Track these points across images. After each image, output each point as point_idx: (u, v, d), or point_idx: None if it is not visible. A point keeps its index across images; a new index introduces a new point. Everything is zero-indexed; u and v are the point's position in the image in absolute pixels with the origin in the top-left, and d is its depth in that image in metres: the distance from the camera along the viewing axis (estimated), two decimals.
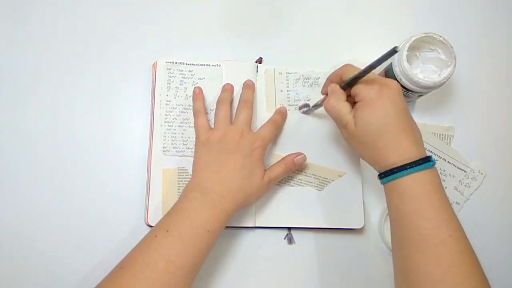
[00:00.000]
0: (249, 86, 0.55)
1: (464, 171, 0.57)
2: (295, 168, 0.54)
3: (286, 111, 0.57)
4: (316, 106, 0.55)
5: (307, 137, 0.57)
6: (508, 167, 0.58)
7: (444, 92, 0.58)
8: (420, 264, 0.40)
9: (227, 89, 0.55)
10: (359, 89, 0.44)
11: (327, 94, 0.49)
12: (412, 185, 0.42)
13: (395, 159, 0.42)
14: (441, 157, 0.57)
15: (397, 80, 0.50)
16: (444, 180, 0.57)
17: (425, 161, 0.42)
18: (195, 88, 0.55)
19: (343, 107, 0.45)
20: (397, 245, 0.44)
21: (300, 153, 0.54)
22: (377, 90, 0.43)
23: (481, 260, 0.55)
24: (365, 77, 0.44)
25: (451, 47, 0.49)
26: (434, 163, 0.43)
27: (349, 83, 0.46)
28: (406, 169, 0.42)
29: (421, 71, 0.53)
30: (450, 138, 0.58)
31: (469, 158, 0.57)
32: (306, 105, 0.57)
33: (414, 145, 0.43)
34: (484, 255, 0.56)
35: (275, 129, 0.54)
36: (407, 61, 0.49)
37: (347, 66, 0.47)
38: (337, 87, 0.47)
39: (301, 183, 0.56)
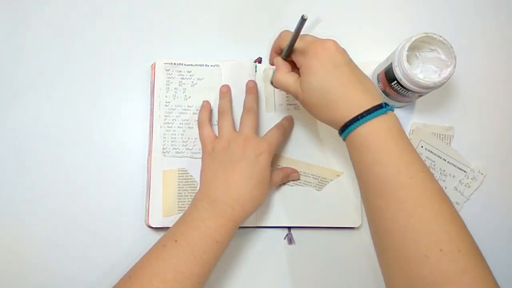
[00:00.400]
0: (251, 91, 0.54)
1: (464, 171, 0.57)
2: (287, 181, 0.56)
3: (293, 119, 0.56)
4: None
5: (306, 137, 0.57)
6: (508, 167, 0.58)
7: (444, 92, 0.58)
8: (384, 212, 0.40)
9: (225, 92, 0.55)
10: (297, 55, 0.45)
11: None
12: (367, 134, 0.41)
13: (347, 112, 0.42)
14: (441, 157, 0.57)
15: (397, 80, 0.50)
16: (444, 180, 0.57)
17: (377, 108, 0.41)
18: (203, 101, 0.55)
19: (288, 78, 0.46)
20: (364, 199, 0.43)
21: (296, 170, 0.55)
22: (313, 54, 0.43)
23: None
24: (303, 43, 0.44)
25: (451, 47, 0.49)
26: (388, 109, 0.41)
27: (287, 53, 0.46)
28: (358, 119, 0.41)
29: (421, 71, 0.53)
30: (450, 138, 0.58)
31: (469, 158, 0.57)
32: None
33: (363, 94, 0.42)
34: (484, 255, 0.56)
35: (281, 134, 0.53)
36: (407, 61, 0.48)
37: (283, 33, 0.47)
38: (279, 60, 0.48)
39: (300, 183, 0.56)
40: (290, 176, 0.55)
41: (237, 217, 0.47)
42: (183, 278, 0.43)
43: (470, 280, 0.37)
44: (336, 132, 0.49)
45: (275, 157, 0.56)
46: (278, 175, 0.53)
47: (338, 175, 0.56)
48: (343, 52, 0.44)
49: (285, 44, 0.46)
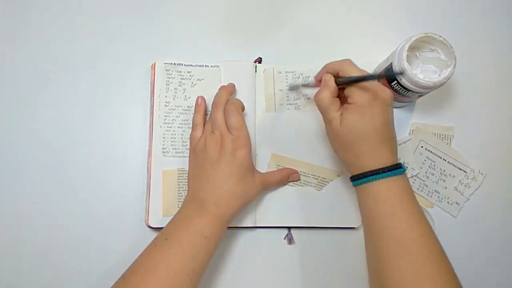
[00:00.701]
0: (223, 88, 0.54)
1: (464, 171, 0.57)
2: (287, 182, 0.55)
3: (298, 177, 0.56)
4: (306, 86, 0.55)
5: (306, 137, 0.57)
6: (508, 167, 0.58)
7: (444, 92, 0.58)
8: (393, 263, 0.42)
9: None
10: (353, 92, 0.45)
11: (319, 81, 0.49)
12: (385, 188, 0.44)
13: (371, 164, 0.44)
14: (441, 157, 0.57)
15: (397, 80, 0.50)
16: (444, 180, 0.57)
17: (397, 167, 0.44)
18: (197, 97, 0.55)
19: (333, 103, 0.46)
20: (370, 247, 0.45)
21: (296, 171, 0.55)
22: (370, 98, 0.44)
23: (481, 260, 0.56)
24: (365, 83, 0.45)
25: (451, 47, 0.49)
26: (405, 170, 0.45)
27: (344, 83, 0.46)
28: (379, 173, 0.44)
29: (421, 71, 0.53)
30: (450, 138, 0.58)
31: (469, 158, 0.57)
32: (295, 86, 0.57)
33: (390, 154, 0.45)
34: (484, 255, 0.56)
35: (240, 113, 0.52)
36: (407, 61, 0.48)
37: (347, 62, 0.47)
38: (332, 80, 0.47)
39: (300, 183, 0.56)
40: (290, 177, 0.55)
41: (223, 213, 0.48)
42: (175, 274, 0.44)
43: None
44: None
45: (274, 158, 0.56)
46: (276, 175, 0.54)
47: (338, 175, 0.56)
48: (391, 106, 0.46)
49: (345, 72, 0.46)
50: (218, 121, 0.51)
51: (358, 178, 0.45)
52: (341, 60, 0.48)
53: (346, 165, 0.48)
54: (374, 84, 0.46)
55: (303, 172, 0.56)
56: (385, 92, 0.45)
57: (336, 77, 0.47)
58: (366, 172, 0.44)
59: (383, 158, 0.44)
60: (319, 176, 0.56)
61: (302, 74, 0.58)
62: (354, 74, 0.46)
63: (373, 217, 0.44)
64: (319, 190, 0.56)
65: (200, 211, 0.47)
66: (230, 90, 0.55)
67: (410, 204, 0.44)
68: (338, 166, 0.56)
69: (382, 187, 0.44)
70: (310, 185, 0.56)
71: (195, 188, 0.50)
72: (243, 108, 0.54)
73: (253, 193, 0.51)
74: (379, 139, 0.44)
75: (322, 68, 0.50)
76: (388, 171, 0.44)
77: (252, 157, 0.51)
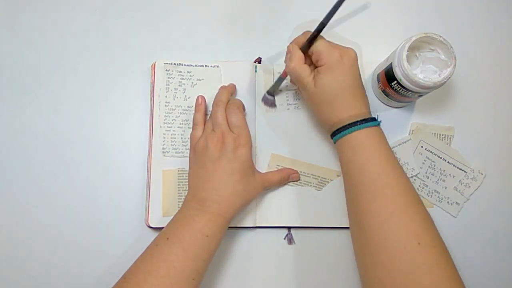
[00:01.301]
0: (224, 87, 0.55)
1: (464, 171, 0.57)
2: (287, 182, 0.56)
3: (298, 177, 0.56)
4: (275, 84, 0.56)
5: (306, 137, 0.57)
6: (508, 167, 0.58)
7: (444, 92, 0.58)
8: (369, 205, 0.44)
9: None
10: (321, 54, 0.48)
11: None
12: (363, 138, 0.47)
13: (348, 117, 0.47)
14: (441, 157, 0.57)
15: (397, 80, 0.50)
16: (444, 180, 0.57)
17: (373, 119, 0.48)
18: (198, 97, 0.55)
19: (304, 69, 0.49)
20: (349, 194, 0.48)
21: (296, 171, 0.56)
22: (338, 56, 0.47)
23: (480, 260, 0.56)
24: (327, 44, 0.48)
25: (451, 47, 0.49)
26: (380, 123, 0.49)
27: (307, 45, 0.49)
28: (357, 124, 0.47)
29: (421, 71, 0.53)
30: (450, 138, 0.58)
31: (469, 158, 0.57)
32: (265, 94, 0.57)
33: (364, 107, 0.48)
34: (484, 255, 0.56)
35: (241, 112, 0.53)
36: (407, 61, 0.48)
37: (306, 32, 0.50)
38: (296, 48, 0.49)
39: (300, 183, 0.56)
40: (290, 177, 0.55)
41: (225, 212, 0.48)
42: (176, 273, 0.44)
43: (442, 273, 0.41)
44: None
45: (276, 158, 0.56)
46: (276, 175, 0.54)
47: (338, 175, 0.56)
48: (358, 64, 0.49)
49: (306, 35, 0.49)
50: (219, 120, 0.51)
51: (338, 132, 0.48)
52: (302, 33, 0.51)
53: (326, 125, 0.50)
54: (337, 44, 0.49)
55: (303, 172, 0.56)
56: (350, 49, 0.48)
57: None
58: (345, 125, 0.47)
59: (358, 111, 0.47)
60: (319, 176, 0.56)
61: None
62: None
63: (352, 166, 0.47)
64: (319, 190, 0.56)
65: (201, 209, 0.47)
66: (231, 90, 0.55)
67: (385, 152, 0.46)
68: (338, 166, 0.56)
69: (360, 136, 0.47)
70: (310, 185, 0.56)
71: (196, 186, 0.50)
72: (244, 108, 0.54)
73: (253, 192, 0.51)
74: (352, 94, 0.48)
75: (286, 50, 0.51)
76: (365, 122, 0.47)
77: (252, 157, 0.51)
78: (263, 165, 0.56)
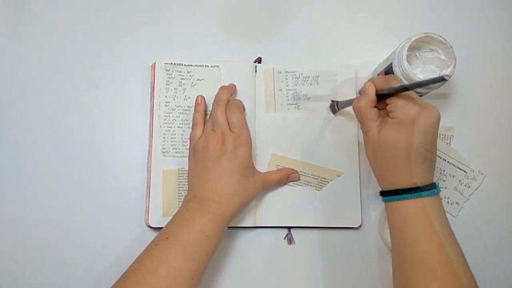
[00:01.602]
0: (224, 87, 0.55)
1: (464, 171, 0.57)
2: (287, 182, 0.55)
3: (298, 177, 0.56)
4: (345, 103, 0.54)
5: (306, 137, 0.57)
6: (508, 167, 0.58)
7: (444, 92, 0.58)
8: (421, 286, 0.41)
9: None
10: (397, 104, 0.42)
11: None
12: (416, 209, 0.42)
13: (404, 181, 0.43)
14: (441, 157, 0.57)
15: None
16: (444, 180, 0.57)
17: (431, 187, 0.42)
18: (197, 96, 0.54)
19: (370, 113, 0.44)
20: (398, 266, 0.44)
21: (296, 171, 0.55)
22: (414, 114, 0.41)
23: (481, 261, 0.56)
24: (409, 96, 0.42)
25: (451, 47, 0.49)
26: (439, 191, 0.43)
27: (386, 94, 0.44)
28: (411, 192, 0.42)
29: (421, 71, 0.53)
30: (450, 138, 0.58)
31: (469, 158, 0.57)
32: (334, 102, 0.55)
33: (425, 173, 0.43)
34: (484, 255, 0.56)
35: (241, 112, 0.52)
36: (407, 61, 0.48)
37: (392, 77, 0.46)
38: (372, 88, 0.45)
39: (300, 183, 0.56)
40: (290, 177, 0.55)
41: (225, 211, 0.48)
42: (176, 273, 0.44)
43: None
44: (337, 133, 0.49)
45: (276, 157, 0.56)
46: (276, 175, 0.54)
47: (338, 175, 0.56)
48: (437, 128, 0.43)
49: (390, 85, 0.44)
50: (219, 120, 0.51)
51: (388, 194, 0.44)
52: (387, 75, 0.47)
53: (378, 178, 0.46)
54: (420, 99, 0.43)
55: (303, 172, 0.56)
56: (432, 111, 0.42)
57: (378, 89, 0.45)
58: (398, 190, 0.43)
59: (417, 177, 0.42)
60: (319, 176, 0.56)
61: (302, 74, 0.58)
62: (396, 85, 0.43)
63: (402, 236, 0.43)
64: (319, 190, 0.56)
65: (201, 209, 0.47)
66: (231, 90, 0.55)
67: (441, 227, 0.42)
68: (338, 166, 0.56)
69: (413, 207, 0.42)
70: (310, 185, 0.56)
71: (195, 186, 0.49)
72: (244, 108, 0.54)
73: (253, 192, 0.51)
74: (415, 158, 0.42)
75: (366, 82, 0.46)
76: (420, 191, 0.42)
77: (252, 157, 0.51)
78: (263, 164, 0.56)
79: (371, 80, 0.46)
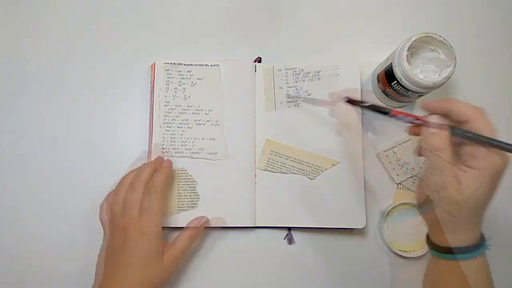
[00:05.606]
0: (148, 165, 0.51)
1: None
2: (201, 230, 0.52)
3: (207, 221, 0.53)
4: (385, 112, 0.43)
5: (306, 137, 0.56)
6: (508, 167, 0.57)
7: (444, 92, 0.58)
8: None
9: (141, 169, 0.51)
10: (477, 150, 0.36)
11: (414, 119, 0.40)
12: (462, 267, 0.39)
13: (456, 238, 0.39)
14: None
15: (397, 80, 0.50)
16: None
17: (481, 244, 0.39)
18: (159, 157, 0.52)
19: (451, 161, 0.37)
20: None
21: (202, 217, 0.52)
22: (501, 165, 0.36)
23: None
24: (487, 148, 0.36)
25: (451, 47, 0.49)
26: (486, 249, 0.40)
27: (466, 137, 0.36)
28: (464, 253, 0.39)
29: (421, 71, 0.52)
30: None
31: None
32: (358, 101, 0.48)
33: (477, 229, 0.39)
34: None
35: (161, 196, 0.48)
36: (407, 61, 0.48)
37: (457, 103, 0.37)
38: (446, 132, 0.37)
39: (293, 170, 0.55)
40: (201, 225, 0.52)
41: None
42: None
43: None
44: (335, 127, 0.47)
45: (271, 144, 0.55)
46: (182, 240, 0.50)
47: (333, 164, 0.55)
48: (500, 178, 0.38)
49: (458, 115, 0.37)
50: (130, 203, 0.48)
51: (437, 250, 0.40)
52: (449, 100, 0.37)
53: (430, 227, 0.41)
54: (496, 150, 0.36)
55: (297, 160, 0.55)
56: (503, 155, 0.36)
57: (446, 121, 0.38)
58: (450, 248, 0.39)
59: (469, 234, 0.39)
60: (313, 164, 0.55)
61: (302, 70, 0.57)
62: (481, 127, 0.36)
63: None
64: (312, 179, 0.55)
65: None
66: (156, 166, 0.51)
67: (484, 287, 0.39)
68: (334, 155, 0.55)
69: (460, 265, 0.39)
70: (303, 173, 0.55)
71: (98, 279, 0.48)
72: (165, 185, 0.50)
73: (161, 276, 0.47)
74: (476, 215, 0.38)
75: (424, 104, 0.39)
76: (471, 251, 0.38)
77: (159, 241, 0.47)
78: (261, 163, 0.56)
79: (430, 106, 0.38)
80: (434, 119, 0.38)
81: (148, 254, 0.46)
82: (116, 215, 0.48)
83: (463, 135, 0.36)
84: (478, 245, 0.39)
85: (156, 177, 0.49)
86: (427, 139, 0.38)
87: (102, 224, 0.50)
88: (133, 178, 0.50)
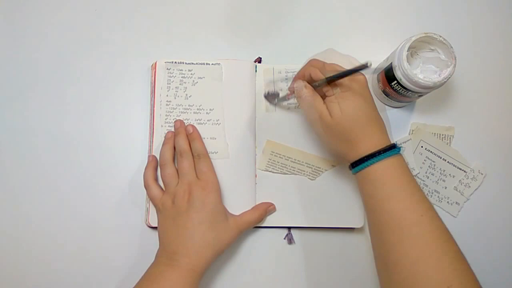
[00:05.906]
0: (178, 134, 0.53)
1: (464, 171, 0.57)
2: (266, 216, 0.54)
3: (274, 208, 0.55)
4: (282, 99, 0.55)
5: (306, 136, 0.56)
6: (508, 167, 0.58)
7: (444, 92, 0.58)
8: (396, 246, 0.41)
9: (168, 136, 0.54)
10: (343, 80, 0.45)
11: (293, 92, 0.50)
12: (383, 170, 0.44)
13: (366, 148, 0.44)
14: (441, 157, 0.57)
15: (397, 80, 0.50)
16: (444, 180, 0.57)
17: (392, 147, 0.44)
18: (149, 156, 0.54)
19: (317, 99, 0.47)
20: (373, 232, 0.45)
21: (271, 204, 0.54)
22: (364, 80, 0.46)
23: (481, 260, 0.56)
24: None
25: (451, 47, 0.49)
26: (400, 149, 0.45)
27: (318, 85, 0.47)
28: (376, 156, 0.44)
29: (421, 71, 0.53)
30: (450, 138, 0.58)
31: (469, 158, 0.57)
32: (275, 95, 0.56)
33: (381, 134, 0.45)
34: (484, 255, 0.56)
35: (209, 157, 0.52)
36: (407, 61, 0.49)
37: (314, 62, 0.48)
38: (306, 83, 0.48)
39: (294, 171, 0.55)
40: (268, 211, 0.54)
41: (195, 265, 0.47)
42: None
43: None
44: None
45: (271, 144, 0.55)
46: (251, 214, 0.53)
47: (333, 165, 0.55)
48: (368, 87, 0.47)
49: (315, 75, 0.47)
50: (185, 170, 0.50)
51: (356, 165, 0.45)
52: (307, 63, 0.48)
53: (343, 156, 0.47)
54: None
55: (297, 161, 0.55)
56: (358, 74, 0.45)
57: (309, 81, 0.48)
58: (363, 157, 0.44)
59: (377, 140, 0.44)
60: (313, 165, 0.55)
61: None
62: (337, 67, 0.46)
63: (373, 202, 0.44)
64: (312, 180, 0.55)
65: (171, 264, 0.46)
66: (186, 135, 0.53)
67: (408, 185, 0.43)
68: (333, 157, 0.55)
69: (379, 170, 0.44)
70: (304, 174, 0.55)
71: (165, 241, 0.49)
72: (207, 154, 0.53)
73: (227, 239, 0.50)
74: (367, 120, 0.45)
75: (294, 78, 0.50)
76: (383, 152, 0.44)
77: (221, 201, 0.51)
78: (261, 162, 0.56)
79: (297, 76, 0.49)
80: (297, 83, 0.48)
81: (217, 211, 0.49)
82: (172, 184, 0.50)
83: (315, 85, 0.47)
84: (387, 148, 0.44)
85: (195, 144, 0.52)
86: (296, 93, 0.48)
87: (153, 201, 0.51)
88: (177, 148, 0.52)
